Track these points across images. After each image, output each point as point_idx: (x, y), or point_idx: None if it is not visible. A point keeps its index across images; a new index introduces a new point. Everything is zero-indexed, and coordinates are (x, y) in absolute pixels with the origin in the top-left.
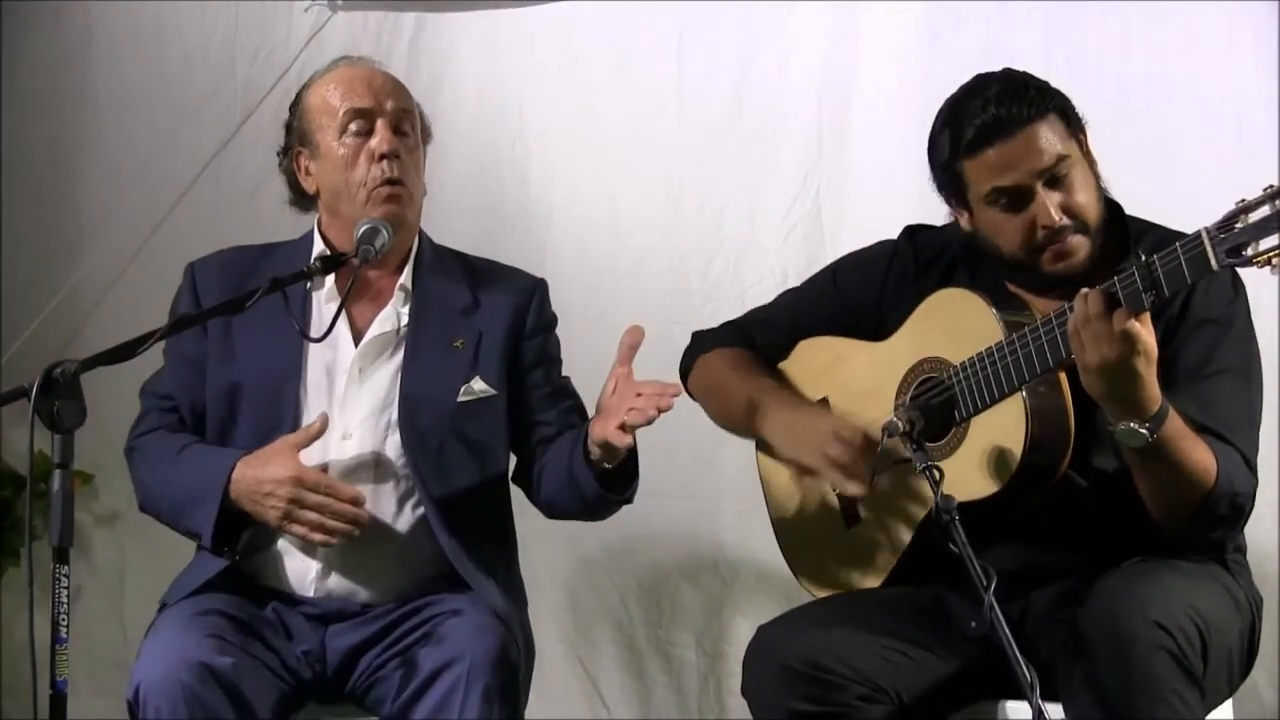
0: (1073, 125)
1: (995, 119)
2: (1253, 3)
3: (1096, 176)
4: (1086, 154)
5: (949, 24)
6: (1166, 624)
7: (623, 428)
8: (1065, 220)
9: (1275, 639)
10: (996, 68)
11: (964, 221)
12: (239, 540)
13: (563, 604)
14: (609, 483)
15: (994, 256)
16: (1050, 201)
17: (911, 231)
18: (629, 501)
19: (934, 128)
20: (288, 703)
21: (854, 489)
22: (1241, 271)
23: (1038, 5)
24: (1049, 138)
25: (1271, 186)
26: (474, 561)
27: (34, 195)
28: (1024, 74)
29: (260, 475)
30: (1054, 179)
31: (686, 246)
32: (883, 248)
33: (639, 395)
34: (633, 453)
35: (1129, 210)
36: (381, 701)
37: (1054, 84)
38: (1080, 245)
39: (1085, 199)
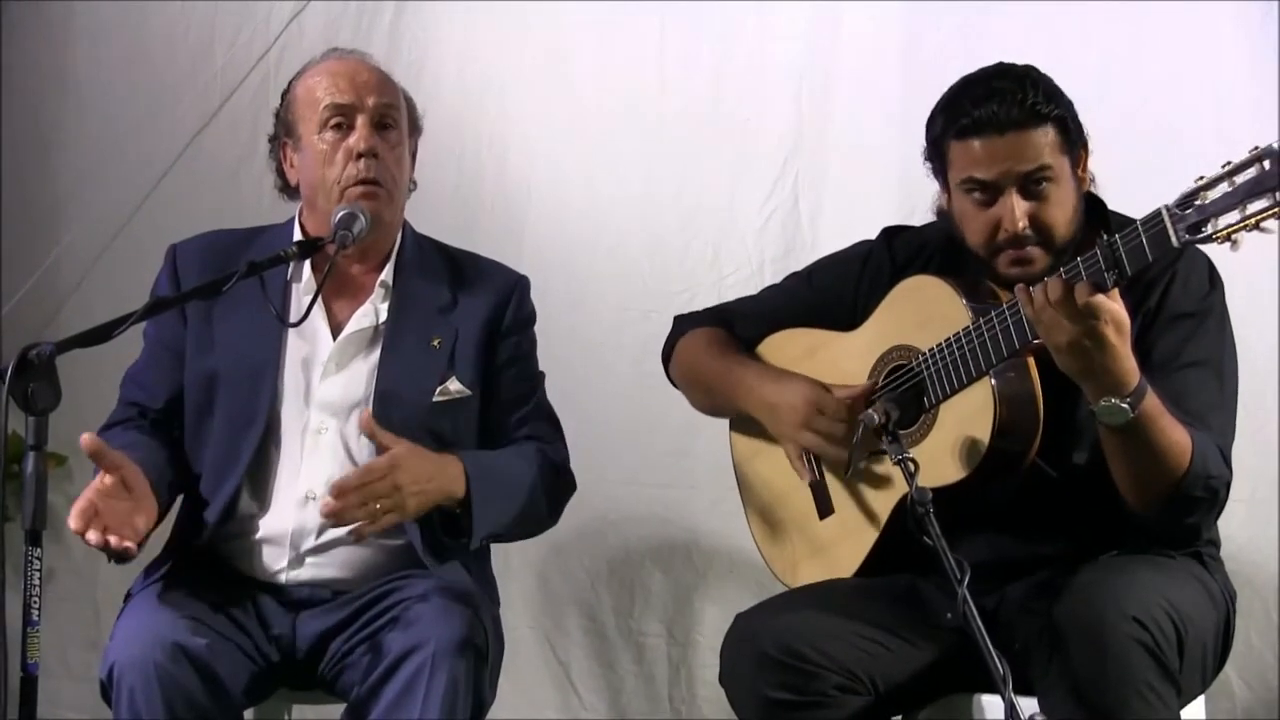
0: (1070, 141)
1: (991, 113)
2: (1235, 2)
3: (1081, 195)
4: (1079, 173)
5: (929, 15)
6: (1142, 618)
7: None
8: (1028, 230)
9: (1247, 635)
10: (976, 61)
11: (944, 201)
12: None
13: (534, 590)
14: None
15: (963, 246)
16: (1018, 208)
17: (889, 234)
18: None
19: (938, 102)
20: (259, 685)
21: (836, 455)
22: (1237, 264)
23: None
24: (1037, 146)
25: (1229, 163)
26: (444, 557)
27: (13, 175)
28: (1041, 78)
29: None
30: (1029, 187)
31: (664, 232)
32: (859, 249)
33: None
34: (466, 505)
35: (1100, 193)
36: (350, 686)
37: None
38: (1039, 258)
39: (1057, 216)
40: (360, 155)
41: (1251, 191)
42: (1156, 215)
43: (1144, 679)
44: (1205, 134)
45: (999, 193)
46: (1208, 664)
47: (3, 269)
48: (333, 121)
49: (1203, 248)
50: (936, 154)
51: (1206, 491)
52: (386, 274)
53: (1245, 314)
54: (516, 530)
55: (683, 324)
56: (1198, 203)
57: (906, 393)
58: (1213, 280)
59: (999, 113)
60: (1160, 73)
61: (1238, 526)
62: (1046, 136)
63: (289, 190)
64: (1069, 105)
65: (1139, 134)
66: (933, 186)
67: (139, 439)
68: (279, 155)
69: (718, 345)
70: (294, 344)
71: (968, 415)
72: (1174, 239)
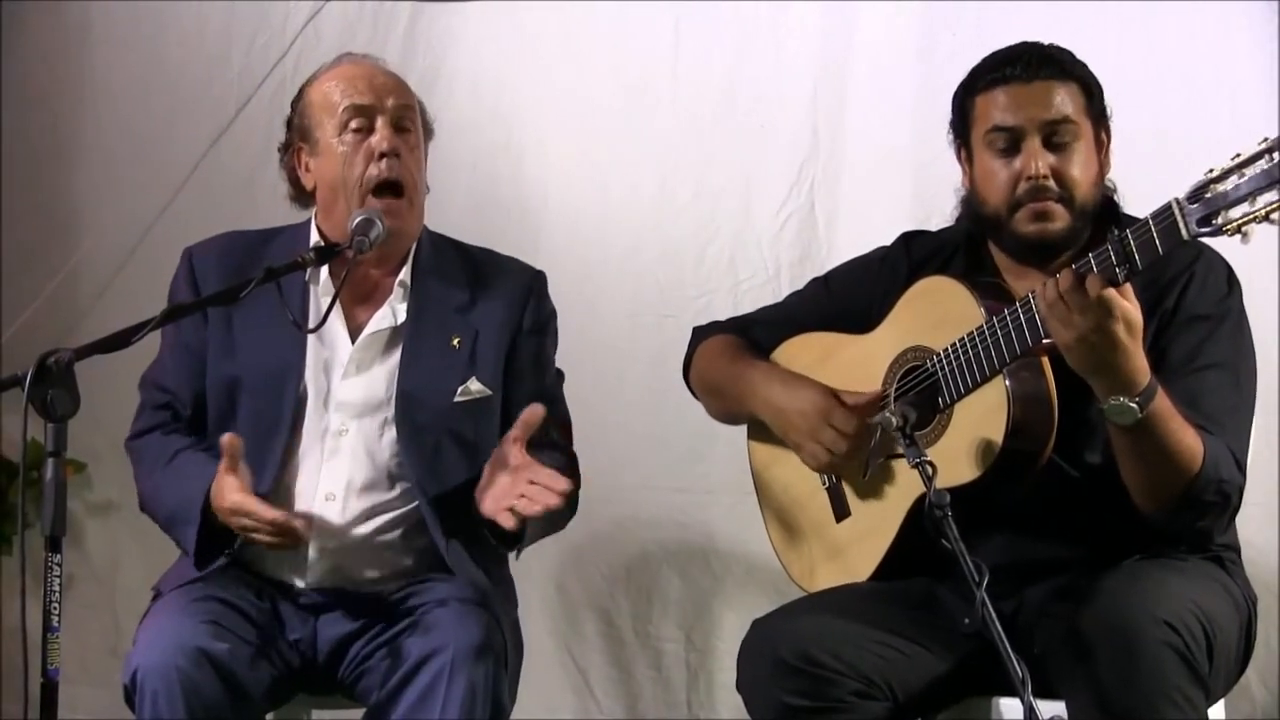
0: (1094, 111)
1: (1019, 69)
2: (1248, 2)
3: (1101, 177)
4: (1101, 156)
5: (944, 18)
6: (1173, 622)
7: (511, 510)
8: (1050, 180)
9: (1266, 638)
10: None
11: (964, 180)
12: (229, 546)
13: (552, 596)
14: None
15: (980, 219)
16: (1040, 156)
17: (907, 237)
18: (515, 553)
19: (963, 79)
20: (279, 689)
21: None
22: (1237, 263)
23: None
24: (1062, 97)
25: (1239, 155)
26: (465, 558)
27: (32, 183)
28: (1067, 50)
29: (217, 505)
30: (1053, 140)
31: (680, 238)
32: (876, 253)
33: (531, 483)
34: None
35: (1122, 205)
36: (369, 691)
37: None
38: (1059, 214)
39: (1079, 175)
40: (383, 155)
41: (1262, 183)
42: (1167, 208)
43: (1175, 683)
44: (1219, 135)
45: (1022, 142)
46: (1231, 668)
47: (21, 277)
48: (353, 124)
49: (1213, 243)
50: (961, 119)
51: (1218, 495)
52: (404, 275)
53: (1264, 311)
54: (548, 535)
55: (701, 334)
56: (1208, 195)
57: (922, 394)
58: (1231, 283)
59: (1026, 67)
60: (1176, 73)
61: (1254, 530)
62: (1071, 94)
63: (301, 197)
64: (1095, 79)
65: (1154, 134)
66: (949, 186)
67: (191, 442)
68: (291, 162)
69: (731, 350)
70: (313, 347)
71: (981, 415)
72: (1184, 231)
